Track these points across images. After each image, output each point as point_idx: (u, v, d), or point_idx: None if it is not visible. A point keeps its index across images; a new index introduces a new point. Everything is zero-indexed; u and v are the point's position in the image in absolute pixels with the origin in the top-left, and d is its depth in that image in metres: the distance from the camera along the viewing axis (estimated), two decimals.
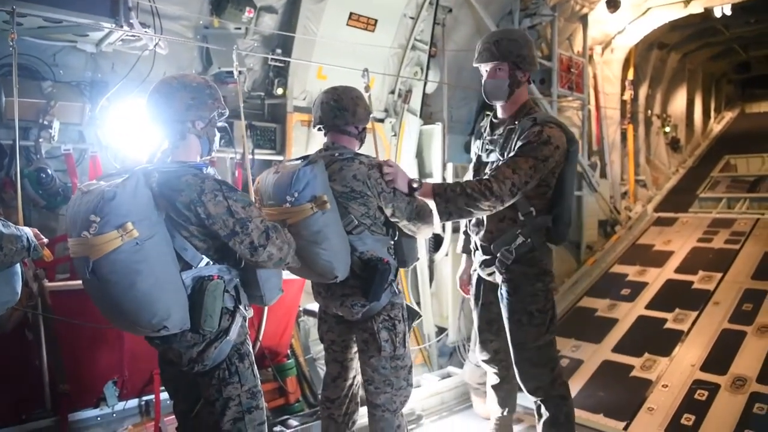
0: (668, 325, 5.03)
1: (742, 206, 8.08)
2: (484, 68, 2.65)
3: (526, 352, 2.70)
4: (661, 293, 5.66)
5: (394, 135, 5.22)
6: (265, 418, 2.17)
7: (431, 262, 5.48)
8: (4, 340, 2.84)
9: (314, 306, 2.91)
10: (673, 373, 4.26)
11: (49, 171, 3.28)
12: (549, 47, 6.73)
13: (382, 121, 5.13)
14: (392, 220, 2.43)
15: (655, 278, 5.99)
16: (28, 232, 2.01)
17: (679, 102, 11.26)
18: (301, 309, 4.11)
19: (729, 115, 13.43)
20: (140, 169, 1.94)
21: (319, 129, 2.55)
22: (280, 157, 4.36)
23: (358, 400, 2.72)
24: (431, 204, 2.45)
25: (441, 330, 5.40)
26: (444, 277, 5.39)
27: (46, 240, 2.11)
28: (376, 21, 4.64)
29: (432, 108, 5.68)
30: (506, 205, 2.45)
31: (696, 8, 7.67)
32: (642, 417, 3.80)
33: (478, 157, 2.80)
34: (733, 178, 9.53)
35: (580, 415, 3.63)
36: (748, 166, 9.98)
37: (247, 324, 2.17)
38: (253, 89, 4.39)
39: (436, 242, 5.47)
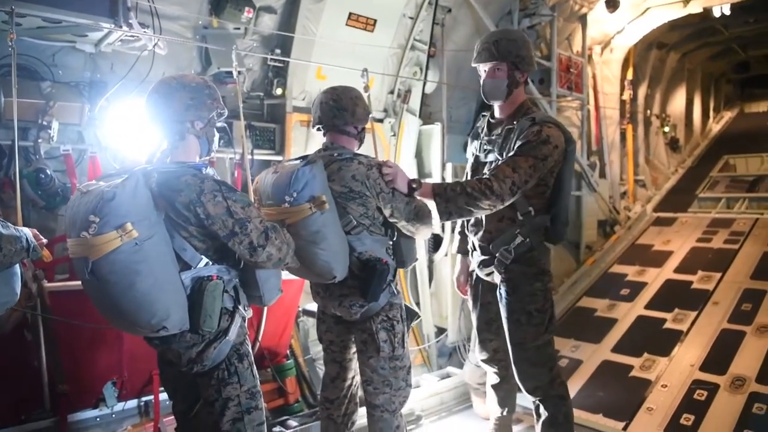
0: (667, 325, 5.03)
1: (741, 206, 8.08)
2: (483, 68, 2.66)
3: (524, 352, 2.70)
4: (660, 293, 5.66)
5: (394, 135, 5.22)
6: (265, 418, 2.16)
7: (430, 262, 5.47)
8: (4, 341, 2.85)
9: (313, 306, 2.91)
10: (673, 373, 4.26)
11: (48, 171, 3.27)
12: (548, 47, 6.73)
13: (381, 121, 5.13)
14: (391, 220, 2.43)
15: (655, 278, 5.98)
16: (27, 232, 2.01)
17: (678, 102, 11.26)
18: (300, 309, 4.11)
19: (728, 115, 13.43)
20: (139, 169, 1.94)
21: (318, 129, 2.55)
22: (280, 158, 4.35)
23: (357, 400, 2.72)
24: (431, 204, 2.45)
25: (440, 330, 5.39)
26: (443, 278, 5.38)
27: (45, 240, 2.12)
28: (375, 21, 4.64)
29: (431, 108, 5.67)
30: (506, 204, 2.45)
31: (695, 8, 7.67)
32: (641, 417, 3.80)
33: (476, 158, 2.81)
34: (732, 178, 9.54)
35: (580, 415, 3.63)
36: (747, 165, 9.98)
37: (246, 324, 2.17)
38: (253, 89, 4.39)
39: (436, 242, 5.46)
